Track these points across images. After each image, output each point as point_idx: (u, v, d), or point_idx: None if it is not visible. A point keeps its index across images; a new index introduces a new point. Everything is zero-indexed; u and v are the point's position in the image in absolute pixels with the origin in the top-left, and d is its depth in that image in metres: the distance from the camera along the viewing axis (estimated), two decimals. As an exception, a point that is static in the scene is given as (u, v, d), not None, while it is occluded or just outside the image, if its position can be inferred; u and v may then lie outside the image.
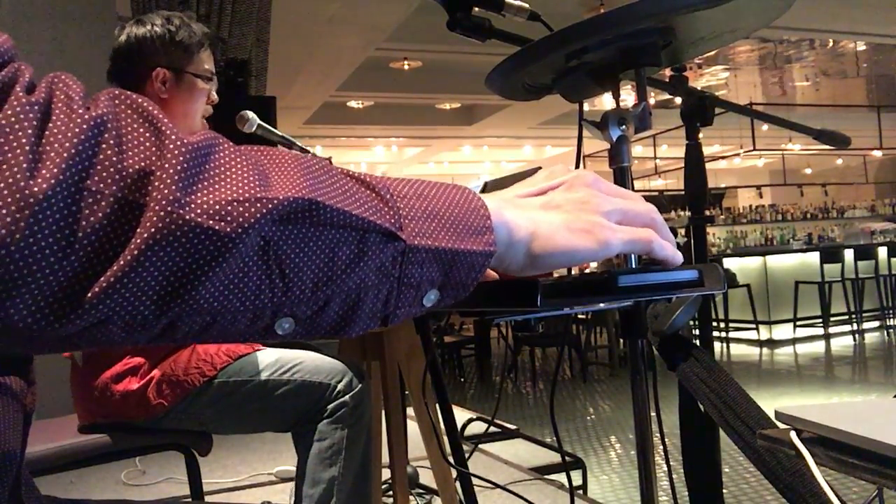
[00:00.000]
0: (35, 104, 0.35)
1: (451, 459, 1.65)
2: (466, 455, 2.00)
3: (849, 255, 8.07)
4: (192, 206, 0.37)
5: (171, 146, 0.38)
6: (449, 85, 9.66)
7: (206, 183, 0.38)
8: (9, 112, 0.34)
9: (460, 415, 3.63)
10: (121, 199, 0.36)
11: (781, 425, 0.56)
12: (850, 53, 9.68)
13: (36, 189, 0.34)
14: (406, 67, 8.87)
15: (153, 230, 0.36)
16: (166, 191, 0.36)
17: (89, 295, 0.35)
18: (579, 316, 6.74)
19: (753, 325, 8.16)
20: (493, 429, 3.69)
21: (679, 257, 0.55)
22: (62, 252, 0.35)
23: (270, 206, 0.39)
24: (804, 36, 8.44)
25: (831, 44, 9.09)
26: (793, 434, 0.53)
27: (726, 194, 16.66)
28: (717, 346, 7.78)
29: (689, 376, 0.86)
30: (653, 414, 0.92)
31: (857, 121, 11.91)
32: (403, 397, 1.78)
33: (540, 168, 0.58)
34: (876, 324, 8.38)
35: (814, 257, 8.09)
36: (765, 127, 10.87)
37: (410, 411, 1.79)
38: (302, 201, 0.40)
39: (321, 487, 1.45)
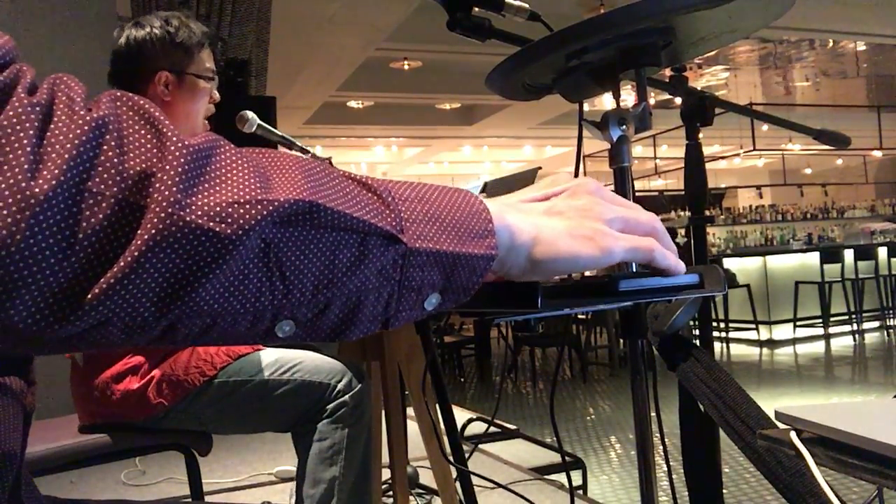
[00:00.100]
0: (37, 105, 0.35)
1: (451, 459, 1.65)
2: (466, 455, 2.00)
3: (849, 255, 8.07)
4: (193, 207, 0.37)
5: (172, 148, 0.38)
6: (449, 85, 9.66)
7: (206, 185, 0.38)
8: (10, 113, 0.34)
9: (460, 415, 3.63)
10: (121, 200, 0.36)
11: (781, 425, 0.56)
12: (850, 53, 9.68)
13: (37, 190, 0.34)
14: (406, 67, 8.87)
15: (154, 232, 0.36)
16: (167, 192, 0.36)
17: (89, 296, 0.35)
18: (579, 316, 6.74)
19: (753, 326, 8.16)
20: (493, 429, 3.69)
21: (681, 267, 0.54)
22: (62, 253, 0.35)
23: (271, 208, 0.39)
24: (804, 36, 8.44)
25: (831, 44, 9.09)
26: (793, 434, 0.53)
27: (726, 194, 16.67)
28: (717, 346, 7.78)
29: (689, 376, 0.86)
30: (653, 414, 0.92)
31: (857, 121, 11.92)
32: (403, 397, 1.78)
33: (540, 168, 0.58)
34: (876, 324, 8.38)
35: (814, 257, 8.09)
36: (765, 127, 10.88)
37: (410, 411, 1.79)
38: (303, 203, 0.40)
39: (322, 487, 1.45)
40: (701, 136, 1.33)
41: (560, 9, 6.14)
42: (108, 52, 1.59)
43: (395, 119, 11.38)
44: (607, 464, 3.78)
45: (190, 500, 1.97)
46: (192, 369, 1.48)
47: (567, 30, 0.73)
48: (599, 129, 0.78)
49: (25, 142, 0.34)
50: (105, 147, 0.36)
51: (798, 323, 7.94)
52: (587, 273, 0.62)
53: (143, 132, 0.38)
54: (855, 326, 7.96)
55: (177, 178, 0.37)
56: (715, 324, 8.09)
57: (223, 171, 0.39)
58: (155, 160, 0.37)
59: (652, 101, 0.79)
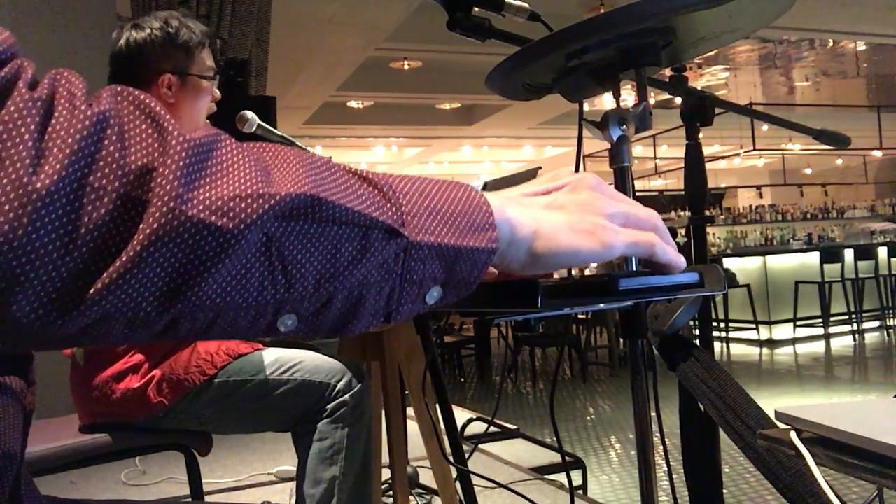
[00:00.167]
0: (38, 100, 0.35)
1: (451, 459, 1.65)
2: (466, 455, 2.00)
3: (849, 255, 8.07)
4: (195, 201, 0.37)
5: (173, 142, 0.38)
6: (449, 85, 9.65)
7: (208, 179, 0.38)
8: (11, 108, 0.34)
9: (460, 415, 3.63)
10: (123, 195, 0.36)
11: (781, 425, 0.56)
12: (850, 53, 9.68)
13: (39, 185, 0.34)
14: (406, 67, 8.87)
15: (156, 226, 0.36)
16: (168, 187, 0.36)
17: (92, 292, 0.35)
18: (579, 316, 6.74)
19: (753, 326, 8.16)
20: (493, 429, 3.69)
21: (682, 262, 0.54)
22: (65, 248, 0.35)
23: (273, 201, 0.39)
24: (804, 36, 8.44)
25: (831, 44, 9.09)
26: (793, 434, 0.53)
27: (726, 194, 16.66)
28: (717, 346, 7.78)
29: (689, 376, 0.86)
30: (653, 414, 0.92)
31: (857, 121, 11.91)
32: (403, 397, 1.78)
33: (540, 168, 0.58)
34: (876, 324, 8.38)
35: (814, 257, 8.09)
36: (765, 127, 10.88)
37: (410, 411, 1.79)
38: (304, 197, 0.40)
39: (322, 487, 1.45)
40: (701, 136, 1.33)
41: (560, 9, 6.14)
42: (106, 52, 1.59)
43: (395, 119, 11.38)
44: (607, 464, 3.78)
45: (190, 500, 1.97)
46: (192, 368, 1.48)
47: (567, 30, 0.73)
48: (599, 129, 0.78)
49: (27, 136, 0.34)
50: (106, 142, 0.36)
51: (798, 323, 7.94)
52: (587, 272, 0.62)
53: (143, 127, 0.38)
54: (855, 326, 7.96)
55: (178, 173, 0.37)
56: (715, 324, 8.09)
57: (224, 164, 0.39)
58: (156, 154, 0.37)
59: (652, 101, 0.79)
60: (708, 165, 1.38)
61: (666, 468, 1.18)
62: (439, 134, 12.62)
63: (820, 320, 8.01)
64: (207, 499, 2.33)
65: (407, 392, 1.76)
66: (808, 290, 7.92)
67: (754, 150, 10.56)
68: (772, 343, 7.90)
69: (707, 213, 1.37)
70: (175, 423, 1.52)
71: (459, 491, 1.76)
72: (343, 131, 12.04)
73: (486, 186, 1.96)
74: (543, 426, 4.57)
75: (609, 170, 0.80)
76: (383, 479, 2.08)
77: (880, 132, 11.03)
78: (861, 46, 9.29)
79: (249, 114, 1.72)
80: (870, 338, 7.87)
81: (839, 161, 16.03)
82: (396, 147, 14.14)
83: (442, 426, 1.71)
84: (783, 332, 7.99)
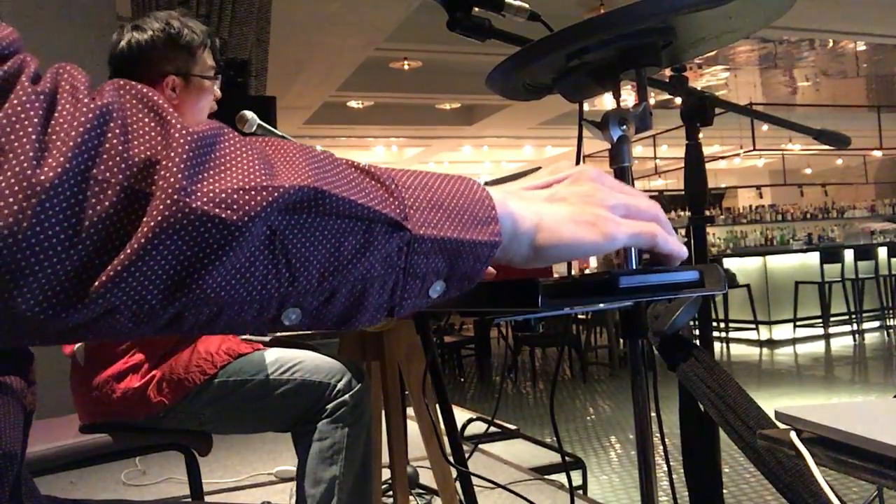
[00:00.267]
0: (41, 94, 0.35)
1: (451, 459, 1.65)
2: (466, 455, 2.00)
3: (849, 255, 8.07)
4: (199, 194, 0.37)
5: (177, 135, 0.38)
6: (449, 85, 9.65)
7: (211, 171, 0.38)
8: (15, 101, 0.34)
9: (460, 415, 3.63)
10: (127, 188, 0.36)
11: (781, 425, 0.56)
12: (850, 53, 9.68)
13: (42, 178, 0.34)
14: (406, 67, 8.87)
15: (160, 219, 0.36)
16: (172, 179, 0.36)
17: (96, 284, 0.35)
18: (579, 316, 6.74)
19: (753, 326, 8.16)
20: (493, 429, 3.69)
21: (683, 251, 0.54)
22: (69, 241, 0.35)
23: (276, 194, 0.39)
24: (804, 36, 8.43)
25: (831, 44, 9.09)
26: (793, 434, 0.53)
27: (726, 194, 16.66)
28: (717, 346, 7.78)
29: (689, 376, 0.86)
30: (653, 414, 0.92)
31: (857, 121, 11.91)
32: (403, 397, 1.78)
33: (540, 168, 0.58)
34: (876, 324, 8.38)
35: (814, 257, 8.09)
36: (765, 127, 10.87)
37: (410, 411, 1.79)
38: (308, 190, 0.40)
39: (323, 487, 1.45)
40: (701, 136, 1.33)
41: (560, 9, 6.14)
42: (107, 51, 1.58)
43: (395, 119, 11.37)
44: (607, 464, 3.78)
45: (190, 500, 1.97)
46: (192, 368, 1.48)
47: (567, 30, 0.73)
48: (600, 129, 0.78)
49: (30, 130, 0.34)
50: (109, 135, 0.36)
51: (798, 323, 7.94)
52: (587, 270, 0.62)
53: (147, 120, 0.38)
54: (855, 326, 7.96)
55: (182, 165, 0.37)
56: (715, 324, 8.09)
57: (228, 157, 0.39)
58: (159, 147, 0.37)
59: (652, 101, 0.79)
60: (708, 165, 1.38)
61: (666, 468, 1.18)
62: (439, 134, 12.61)
63: (820, 320, 8.01)
64: (207, 499, 2.33)
65: (407, 392, 1.76)
66: (808, 290, 7.92)
67: (754, 150, 10.55)
68: (772, 343, 7.90)
69: (707, 213, 1.37)
70: (175, 423, 1.52)
71: (459, 491, 1.76)
72: (343, 131, 12.03)
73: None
74: (543, 426, 4.57)
75: (609, 170, 0.80)
76: (383, 479, 2.08)
77: (880, 132, 11.03)
78: (861, 46, 9.29)
79: (249, 114, 1.72)
80: (870, 338, 7.87)
81: (839, 161, 16.02)
82: (396, 147, 14.14)
83: (442, 426, 1.71)
84: (783, 332, 7.99)
